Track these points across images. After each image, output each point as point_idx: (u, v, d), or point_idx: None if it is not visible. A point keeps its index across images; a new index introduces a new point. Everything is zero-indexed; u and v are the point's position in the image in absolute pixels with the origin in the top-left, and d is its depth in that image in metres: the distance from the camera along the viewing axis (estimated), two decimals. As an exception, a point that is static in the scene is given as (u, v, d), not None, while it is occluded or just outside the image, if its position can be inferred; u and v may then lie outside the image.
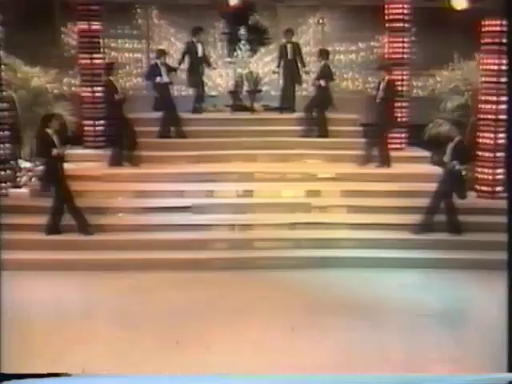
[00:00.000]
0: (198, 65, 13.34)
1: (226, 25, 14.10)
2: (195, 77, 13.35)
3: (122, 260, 9.54)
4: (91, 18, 12.64)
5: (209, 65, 13.70)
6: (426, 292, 8.72)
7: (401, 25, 12.79)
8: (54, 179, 10.05)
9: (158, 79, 12.77)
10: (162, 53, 13.22)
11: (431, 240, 10.03)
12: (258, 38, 13.98)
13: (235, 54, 13.90)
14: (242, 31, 13.76)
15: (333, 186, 11.29)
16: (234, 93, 13.69)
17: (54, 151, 9.85)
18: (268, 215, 10.67)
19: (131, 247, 9.85)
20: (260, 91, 13.73)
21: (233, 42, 13.92)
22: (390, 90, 11.84)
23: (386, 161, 11.84)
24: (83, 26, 12.69)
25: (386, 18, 12.92)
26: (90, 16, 12.62)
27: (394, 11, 12.79)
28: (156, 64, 13.15)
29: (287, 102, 13.49)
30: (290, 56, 13.33)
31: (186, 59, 13.29)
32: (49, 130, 10.02)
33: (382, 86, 11.84)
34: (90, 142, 13.03)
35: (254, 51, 13.98)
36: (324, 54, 13.05)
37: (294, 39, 13.60)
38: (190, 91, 13.70)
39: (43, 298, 8.37)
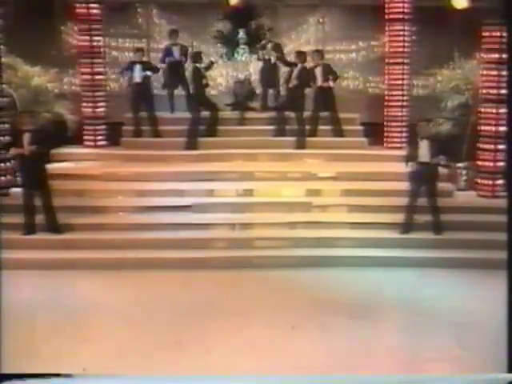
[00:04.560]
0: (175, 67, 13.17)
1: (226, 27, 13.96)
2: (170, 79, 13.27)
3: (122, 259, 9.53)
4: (91, 18, 12.64)
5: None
6: (426, 291, 8.72)
7: (401, 24, 12.80)
8: (31, 177, 9.97)
9: (132, 78, 12.70)
10: (137, 51, 13.13)
11: (431, 239, 10.03)
12: (256, 42, 13.79)
13: (233, 56, 13.77)
14: (241, 34, 13.65)
15: (333, 185, 11.30)
16: (235, 94, 13.65)
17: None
18: (268, 214, 10.67)
19: (131, 246, 9.83)
20: (252, 95, 13.65)
21: (231, 44, 13.80)
22: (303, 77, 12.43)
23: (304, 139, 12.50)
24: (83, 25, 12.72)
25: (387, 17, 12.93)
26: (89, 16, 12.64)
27: (395, 10, 12.81)
28: (132, 62, 12.99)
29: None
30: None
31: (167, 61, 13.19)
32: (23, 127, 10.02)
33: (294, 74, 12.43)
34: (90, 141, 13.05)
35: (252, 54, 13.79)
36: (319, 54, 13.05)
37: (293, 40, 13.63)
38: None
39: (43, 297, 8.36)
